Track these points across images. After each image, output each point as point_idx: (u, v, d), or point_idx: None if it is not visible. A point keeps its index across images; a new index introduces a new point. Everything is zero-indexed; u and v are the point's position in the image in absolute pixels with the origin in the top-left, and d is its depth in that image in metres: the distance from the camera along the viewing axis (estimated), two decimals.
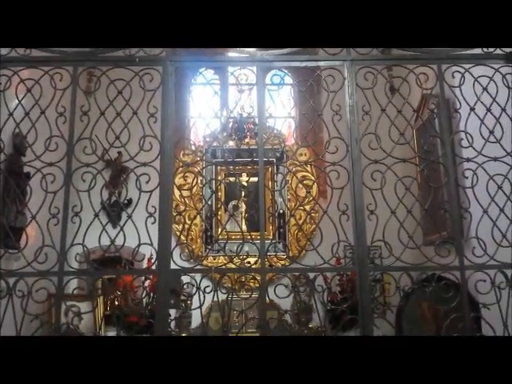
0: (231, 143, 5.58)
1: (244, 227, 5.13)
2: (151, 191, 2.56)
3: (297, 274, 2.78)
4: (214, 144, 5.44)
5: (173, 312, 5.19)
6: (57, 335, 2.37)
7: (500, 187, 2.57)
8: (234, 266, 2.81)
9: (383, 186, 2.57)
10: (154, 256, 2.51)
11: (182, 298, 4.95)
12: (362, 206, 2.56)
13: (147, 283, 4.66)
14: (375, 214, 2.55)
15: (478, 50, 2.74)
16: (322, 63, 2.77)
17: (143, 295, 4.73)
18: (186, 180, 5.07)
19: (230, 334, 2.78)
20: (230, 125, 5.39)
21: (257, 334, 2.48)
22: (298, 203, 4.74)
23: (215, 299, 2.50)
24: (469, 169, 2.60)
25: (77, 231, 2.51)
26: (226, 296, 2.70)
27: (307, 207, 4.86)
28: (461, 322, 2.46)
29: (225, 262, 3.81)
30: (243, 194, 5.52)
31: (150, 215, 2.53)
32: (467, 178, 2.61)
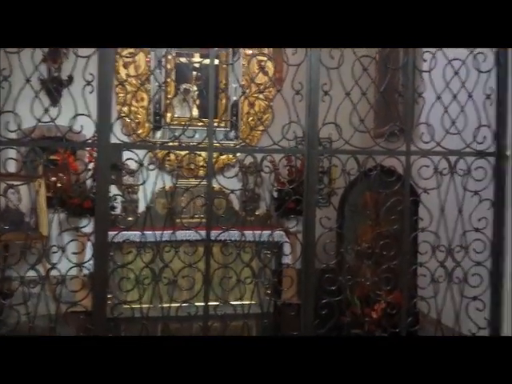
0: None
1: (195, 113, 4.93)
2: (89, 56, 2.30)
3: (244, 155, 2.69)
4: None
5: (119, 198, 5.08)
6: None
7: (456, 72, 2.52)
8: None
9: (341, 64, 2.44)
10: (93, 129, 2.34)
11: (125, 178, 4.74)
12: (317, 85, 2.45)
13: (91, 166, 4.48)
14: (329, 95, 2.46)
15: None
16: None
17: (87, 177, 4.57)
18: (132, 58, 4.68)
19: (177, 219, 2.72)
20: None
21: (203, 220, 2.42)
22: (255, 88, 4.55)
23: (161, 186, 2.40)
24: (428, 51, 2.51)
25: (6, 97, 2.27)
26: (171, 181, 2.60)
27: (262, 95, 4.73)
28: (400, 205, 2.54)
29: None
30: (195, 76, 5.22)
31: (88, 83, 2.30)
32: (426, 61, 2.53)
